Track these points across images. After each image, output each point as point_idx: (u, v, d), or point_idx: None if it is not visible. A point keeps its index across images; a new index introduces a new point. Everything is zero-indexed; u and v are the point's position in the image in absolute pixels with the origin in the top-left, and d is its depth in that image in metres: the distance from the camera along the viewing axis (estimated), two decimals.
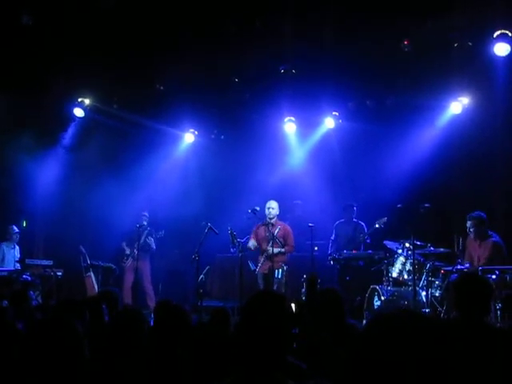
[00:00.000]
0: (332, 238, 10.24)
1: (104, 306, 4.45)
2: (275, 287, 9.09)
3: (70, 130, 11.37)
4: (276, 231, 9.46)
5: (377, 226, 9.59)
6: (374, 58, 9.34)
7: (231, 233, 9.20)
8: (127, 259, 10.95)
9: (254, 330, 2.38)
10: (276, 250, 9.40)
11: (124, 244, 11.06)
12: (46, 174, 11.34)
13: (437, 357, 1.59)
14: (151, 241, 10.96)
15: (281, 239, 9.52)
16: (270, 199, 9.87)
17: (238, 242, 9.30)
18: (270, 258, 9.35)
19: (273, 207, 9.69)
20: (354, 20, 8.56)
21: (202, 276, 9.05)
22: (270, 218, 9.66)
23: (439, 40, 8.98)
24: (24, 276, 10.04)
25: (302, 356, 3.58)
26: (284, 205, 10.76)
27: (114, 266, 11.13)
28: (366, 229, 9.99)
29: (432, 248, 8.78)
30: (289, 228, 9.79)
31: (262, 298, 2.55)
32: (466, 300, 3.83)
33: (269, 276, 9.37)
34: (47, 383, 2.40)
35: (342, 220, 10.30)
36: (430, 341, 1.59)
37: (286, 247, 9.63)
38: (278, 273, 9.27)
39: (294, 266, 9.82)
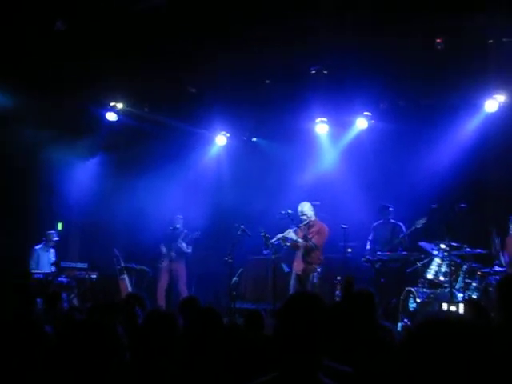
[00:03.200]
0: (370, 237, 10.15)
1: (138, 309, 4.47)
2: (308, 288, 9.07)
3: (104, 135, 11.50)
4: (312, 231, 9.47)
5: (416, 226, 9.45)
6: (407, 57, 9.21)
7: (264, 235, 9.18)
8: (163, 260, 11.01)
9: (292, 331, 2.36)
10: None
11: (162, 246, 11.15)
12: (81, 178, 11.50)
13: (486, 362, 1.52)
14: (182, 245, 11.00)
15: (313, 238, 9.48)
16: (302, 200, 9.83)
17: (272, 244, 9.27)
18: (303, 258, 9.30)
19: (305, 212, 9.64)
20: (387, 18, 8.45)
21: (235, 278, 9.04)
22: (308, 222, 9.62)
23: (473, 37, 8.81)
24: (59, 278, 10.18)
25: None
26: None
27: (148, 269, 11.21)
28: (404, 229, 9.86)
29: (468, 249, 8.63)
30: (323, 228, 9.69)
31: (299, 298, 2.52)
32: (509, 301, 3.74)
33: (302, 277, 9.34)
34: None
35: (380, 221, 10.22)
36: (481, 347, 1.53)
37: (309, 242, 9.54)
38: (313, 276, 9.24)
39: (326, 268, 9.75)
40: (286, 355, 2.37)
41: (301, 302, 2.48)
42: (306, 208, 9.67)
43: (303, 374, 2.33)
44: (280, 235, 9.42)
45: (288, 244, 9.53)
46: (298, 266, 9.54)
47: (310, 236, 9.46)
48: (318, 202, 11.29)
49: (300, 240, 9.53)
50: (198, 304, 5.42)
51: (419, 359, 1.57)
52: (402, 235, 9.82)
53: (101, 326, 2.54)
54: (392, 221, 10.15)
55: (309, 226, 9.60)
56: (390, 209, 10.16)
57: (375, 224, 10.29)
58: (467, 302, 7.83)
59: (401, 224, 10.03)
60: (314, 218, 9.68)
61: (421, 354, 1.58)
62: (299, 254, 9.57)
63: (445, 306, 7.68)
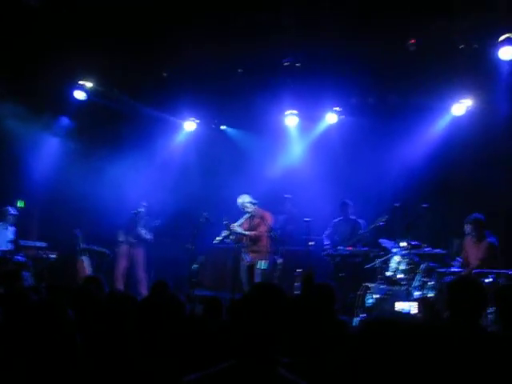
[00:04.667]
0: (326, 232, 10.21)
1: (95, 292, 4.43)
2: (257, 279, 9.11)
3: (71, 112, 11.33)
4: (256, 221, 9.49)
5: (378, 223, 9.55)
6: (378, 56, 9.30)
7: (227, 224, 9.17)
8: (121, 245, 10.92)
9: (249, 321, 2.37)
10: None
11: (121, 232, 11.03)
12: (45, 155, 11.31)
13: (429, 360, 1.56)
14: (141, 231, 10.92)
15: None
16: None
17: (234, 233, 9.29)
18: (250, 247, 9.44)
19: (245, 205, 9.59)
20: (360, 16, 8.51)
21: (195, 265, 9.03)
22: (249, 213, 9.60)
23: (445, 41, 8.93)
24: (17, 257, 10.01)
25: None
26: (280, 197, 10.85)
27: (108, 251, 11.11)
28: (364, 227, 9.94)
29: (427, 248, 8.78)
30: (265, 214, 9.60)
31: (259, 289, 2.53)
32: (457, 302, 3.84)
33: (251, 267, 9.40)
34: (38, 366, 2.38)
35: (341, 218, 10.27)
36: (422, 345, 1.56)
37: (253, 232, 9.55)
38: (261, 264, 9.25)
39: (288, 260, 9.80)
40: (243, 345, 2.39)
41: (260, 293, 2.48)
42: (247, 200, 9.59)
43: (260, 364, 2.35)
44: (225, 232, 9.39)
45: (232, 238, 9.46)
46: (247, 254, 9.56)
47: (255, 225, 9.49)
48: (289, 195, 11.35)
49: (247, 233, 9.51)
50: (167, 290, 5.45)
51: (364, 354, 1.61)
52: (361, 232, 9.91)
53: (48, 307, 2.51)
54: (352, 217, 10.20)
55: (252, 216, 9.57)
56: (349, 205, 10.20)
57: (336, 220, 10.34)
58: (420, 300, 8.00)
59: (361, 221, 10.11)
60: (254, 208, 9.58)
61: (365, 350, 1.61)
62: (248, 242, 9.56)
63: (398, 305, 7.82)
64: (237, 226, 9.50)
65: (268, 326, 2.36)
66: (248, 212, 9.59)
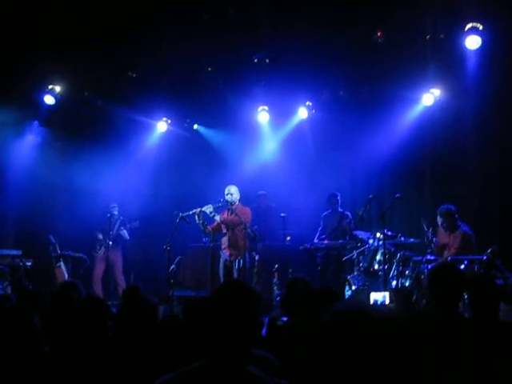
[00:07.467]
0: (320, 228, 10.22)
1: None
2: (235, 276, 8.90)
3: (42, 117, 11.21)
4: (233, 215, 9.18)
5: (360, 213, 9.57)
6: (348, 49, 9.37)
7: (202, 223, 9.10)
8: (100, 248, 10.84)
9: (219, 321, 2.37)
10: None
11: (98, 233, 10.94)
12: (15, 162, 11.14)
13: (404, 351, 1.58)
14: (124, 232, 10.87)
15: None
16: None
17: (210, 231, 9.23)
18: (233, 245, 9.19)
19: (231, 192, 9.27)
20: (328, 10, 8.56)
21: (173, 266, 8.99)
22: (231, 204, 9.24)
23: (412, 32, 9.03)
24: None
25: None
26: (255, 194, 10.86)
27: (85, 256, 11.00)
28: (350, 218, 9.99)
29: (403, 238, 8.86)
30: (244, 209, 9.35)
31: (229, 288, 2.52)
32: (438, 289, 3.88)
33: (228, 264, 9.21)
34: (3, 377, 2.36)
35: (329, 211, 10.26)
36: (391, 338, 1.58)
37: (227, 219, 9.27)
38: (238, 262, 9.06)
39: (265, 256, 9.82)
40: (213, 344, 2.37)
41: (230, 292, 2.46)
42: (233, 190, 9.32)
43: (229, 363, 2.34)
44: (198, 209, 9.02)
45: (201, 222, 9.07)
46: (225, 251, 9.32)
47: (233, 220, 9.19)
48: (264, 192, 11.34)
49: (217, 218, 9.19)
50: (139, 293, 5.41)
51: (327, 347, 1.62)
52: (347, 221, 9.92)
53: (14, 316, 2.49)
54: (340, 210, 10.20)
55: (232, 210, 9.25)
56: (338, 197, 10.21)
57: (324, 214, 10.30)
58: (392, 290, 8.07)
59: (348, 213, 10.12)
60: (237, 203, 9.32)
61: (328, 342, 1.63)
62: (225, 239, 9.33)
63: (373, 295, 7.87)
64: (212, 209, 9.08)
65: (237, 325, 2.35)
66: (227, 202, 9.24)
